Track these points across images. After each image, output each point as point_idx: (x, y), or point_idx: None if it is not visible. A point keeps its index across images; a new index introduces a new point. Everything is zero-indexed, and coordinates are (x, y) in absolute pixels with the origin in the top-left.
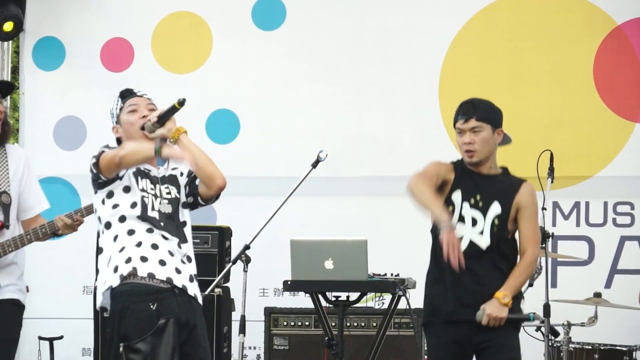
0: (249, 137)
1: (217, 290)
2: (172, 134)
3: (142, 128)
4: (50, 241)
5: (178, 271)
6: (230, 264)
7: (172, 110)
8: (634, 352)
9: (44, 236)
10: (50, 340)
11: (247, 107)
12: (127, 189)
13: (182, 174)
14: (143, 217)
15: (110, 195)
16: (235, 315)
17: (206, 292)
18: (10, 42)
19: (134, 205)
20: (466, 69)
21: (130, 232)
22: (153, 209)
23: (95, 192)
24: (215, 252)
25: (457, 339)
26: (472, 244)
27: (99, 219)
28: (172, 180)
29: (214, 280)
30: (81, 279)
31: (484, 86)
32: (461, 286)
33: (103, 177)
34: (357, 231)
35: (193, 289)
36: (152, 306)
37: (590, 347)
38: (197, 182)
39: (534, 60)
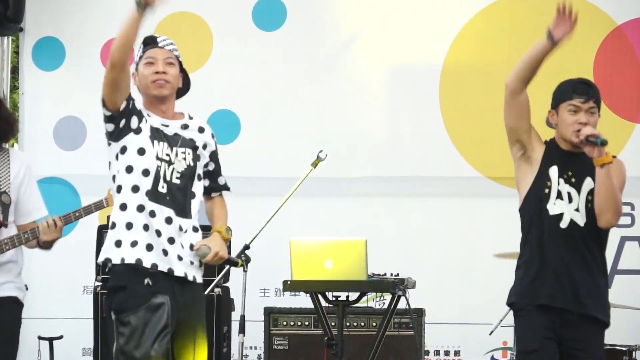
0: (250, 137)
1: (217, 290)
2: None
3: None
4: None
5: (179, 258)
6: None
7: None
8: (634, 352)
9: (26, 241)
10: (50, 340)
11: (247, 108)
12: (141, 151)
13: (205, 147)
14: (153, 193)
15: (123, 150)
16: (235, 315)
17: (206, 292)
18: (10, 42)
19: (146, 173)
20: (466, 69)
21: (140, 208)
22: (165, 179)
23: (109, 144)
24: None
25: (552, 326)
26: (572, 221)
27: (113, 177)
28: (189, 143)
29: (214, 280)
30: (81, 279)
31: (484, 86)
32: (566, 272)
33: (111, 109)
34: (357, 231)
35: (192, 273)
36: (147, 282)
37: None
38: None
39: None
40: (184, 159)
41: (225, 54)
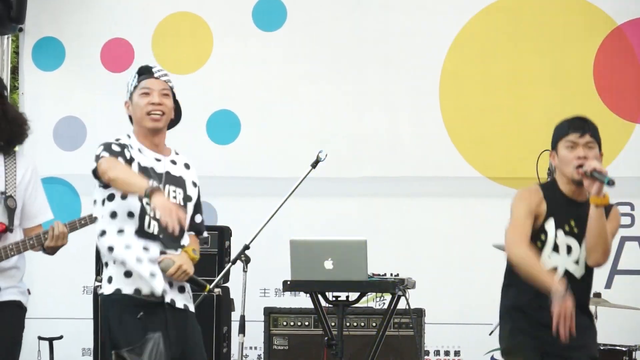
0: (250, 137)
1: (217, 290)
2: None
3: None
4: None
5: (170, 284)
6: (230, 264)
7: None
8: (633, 352)
9: (31, 247)
10: (50, 340)
11: (247, 108)
12: (124, 196)
13: (194, 184)
14: (140, 232)
15: (111, 198)
16: (235, 315)
17: (205, 292)
18: (10, 42)
19: (130, 215)
20: (466, 69)
21: (128, 247)
22: (153, 218)
23: (99, 185)
24: (215, 252)
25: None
26: (567, 273)
27: (96, 218)
28: (179, 181)
29: (214, 280)
30: (81, 279)
31: (484, 86)
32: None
33: (103, 182)
34: (357, 231)
35: (182, 301)
36: (139, 316)
37: None
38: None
39: (534, 61)
40: (175, 197)
41: (225, 54)
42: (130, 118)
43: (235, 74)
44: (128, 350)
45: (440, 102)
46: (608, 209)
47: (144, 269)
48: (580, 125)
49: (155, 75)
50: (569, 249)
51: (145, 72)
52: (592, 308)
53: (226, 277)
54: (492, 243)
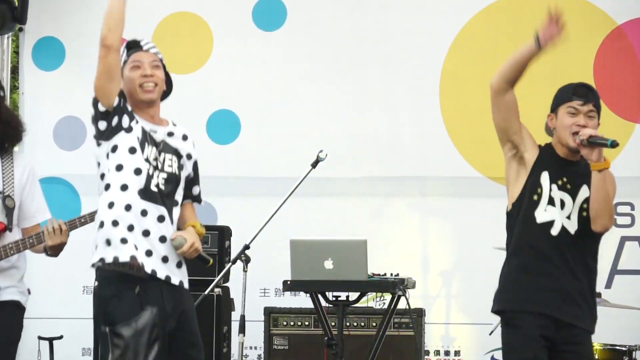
0: (250, 137)
1: (217, 290)
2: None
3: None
4: None
5: (165, 260)
6: (230, 263)
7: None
8: (633, 352)
9: (31, 246)
10: (50, 340)
11: (247, 108)
12: (132, 150)
13: (189, 156)
14: (144, 192)
15: (114, 149)
16: (235, 315)
17: (206, 292)
18: (10, 42)
19: (138, 172)
20: (466, 69)
21: (128, 207)
22: (154, 183)
23: (99, 144)
24: (215, 252)
25: (545, 333)
26: (564, 228)
27: (102, 176)
28: (174, 151)
29: (214, 280)
30: (81, 279)
31: (485, 86)
32: (556, 278)
33: (106, 103)
34: (357, 231)
35: (178, 277)
36: (136, 290)
37: None
38: (194, 190)
39: (534, 61)
40: (170, 166)
41: (225, 54)
42: (122, 94)
43: (235, 74)
44: (124, 324)
45: (440, 102)
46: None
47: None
48: (584, 93)
49: (145, 48)
50: (563, 204)
51: (134, 45)
52: None
53: (226, 277)
54: (493, 246)
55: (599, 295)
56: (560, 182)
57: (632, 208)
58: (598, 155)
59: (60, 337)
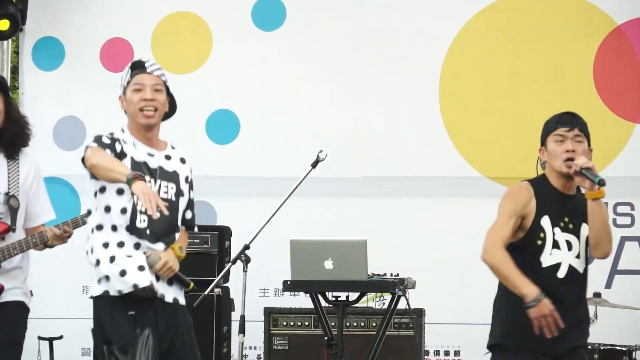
0: (249, 137)
1: (217, 290)
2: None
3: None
4: None
5: (157, 279)
6: (230, 264)
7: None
8: (633, 352)
9: (34, 245)
10: (50, 340)
11: (247, 108)
12: (120, 192)
13: (187, 180)
14: (131, 229)
15: (102, 190)
16: (235, 315)
17: (206, 292)
18: (10, 42)
19: (124, 211)
20: (466, 69)
21: (120, 245)
22: (141, 219)
23: (90, 177)
24: (215, 252)
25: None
26: (571, 269)
27: (93, 209)
28: (172, 176)
29: (214, 280)
30: (81, 279)
31: (484, 86)
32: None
33: (91, 173)
34: (357, 231)
35: (171, 294)
36: (130, 314)
37: (590, 347)
38: (186, 215)
39: (534, 61)
40: (166, 192)
41: (225, 54)
42: (125, 113)
43: (234, 74)
44: (119, 347)
45: (440, 102)
46: None
47: (116, 268)
48: (568, 120)
49: (148, 70)
50: (569, 245)
51: (137, 67)
52: (592, 308)
53: (226, 277)
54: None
55: (599, 295)
56: (562, 224)
57: (632, 208)
58: (591, 184)
59: (60, 337)
